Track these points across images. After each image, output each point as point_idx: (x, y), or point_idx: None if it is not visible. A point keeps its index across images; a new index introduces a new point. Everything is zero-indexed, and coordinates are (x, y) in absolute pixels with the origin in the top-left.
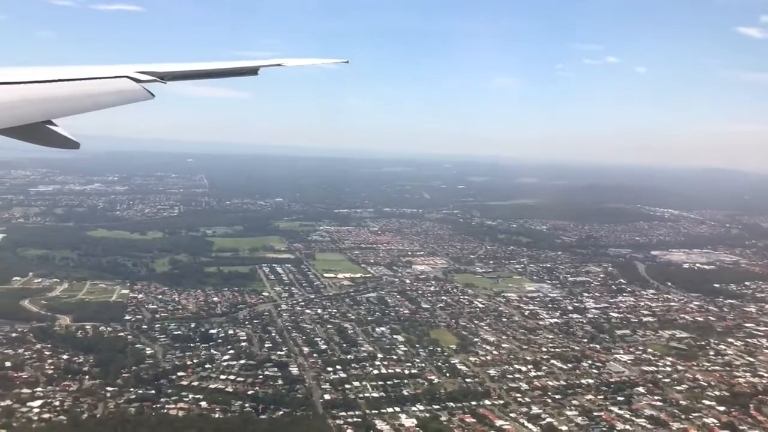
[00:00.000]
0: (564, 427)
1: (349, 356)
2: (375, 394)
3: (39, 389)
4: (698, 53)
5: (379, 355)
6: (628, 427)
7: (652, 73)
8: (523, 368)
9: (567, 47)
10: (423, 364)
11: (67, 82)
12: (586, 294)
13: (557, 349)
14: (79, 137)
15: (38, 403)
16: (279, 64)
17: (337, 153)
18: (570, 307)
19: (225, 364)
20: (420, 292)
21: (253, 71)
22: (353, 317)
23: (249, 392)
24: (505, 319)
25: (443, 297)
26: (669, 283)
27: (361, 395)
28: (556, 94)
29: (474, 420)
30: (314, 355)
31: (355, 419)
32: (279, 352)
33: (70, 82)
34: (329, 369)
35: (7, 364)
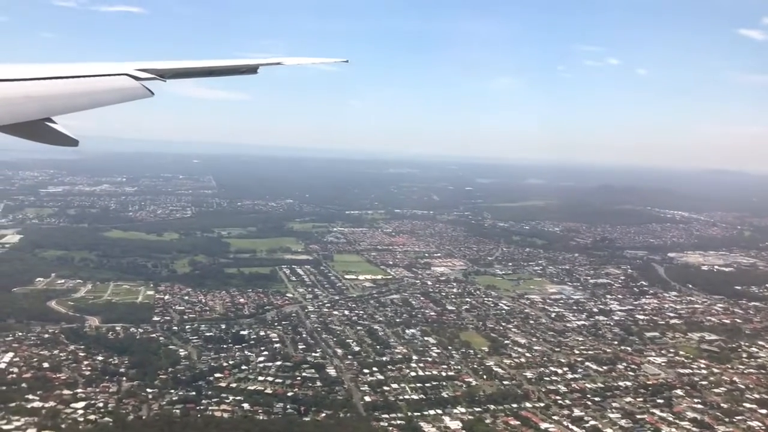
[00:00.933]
0: (609, 430)
1: (383, 358)
2: (415, 396)
3: (79, 390)
4: (699, 55)
5: (414, 357)
6: (673, 430)
7: (653, 75)
8: (559, 371)
9: (568, 49)
10: (459, 366)
11: (66, 79)
12: (608, 296)
13: (589, 352)
14: (81, 138)
15: (81, 404)
16: (279, 63)
17: (339, 154)
18: (595, 309)
19: (261, 365)
20: (443, 293)
21: (252, 70)
22: (381, 319)
23: (288, 394)
24: (532, 321)
25: (467, 299)
26: (690, 285)
27: (401, 397)
28: (558, 95)
29: (518, 422)
30: (349, 356)
31: (398, 421)
32: (314, 354)
33: (70, 80)
34: (365, 371)
35: (45, 365)
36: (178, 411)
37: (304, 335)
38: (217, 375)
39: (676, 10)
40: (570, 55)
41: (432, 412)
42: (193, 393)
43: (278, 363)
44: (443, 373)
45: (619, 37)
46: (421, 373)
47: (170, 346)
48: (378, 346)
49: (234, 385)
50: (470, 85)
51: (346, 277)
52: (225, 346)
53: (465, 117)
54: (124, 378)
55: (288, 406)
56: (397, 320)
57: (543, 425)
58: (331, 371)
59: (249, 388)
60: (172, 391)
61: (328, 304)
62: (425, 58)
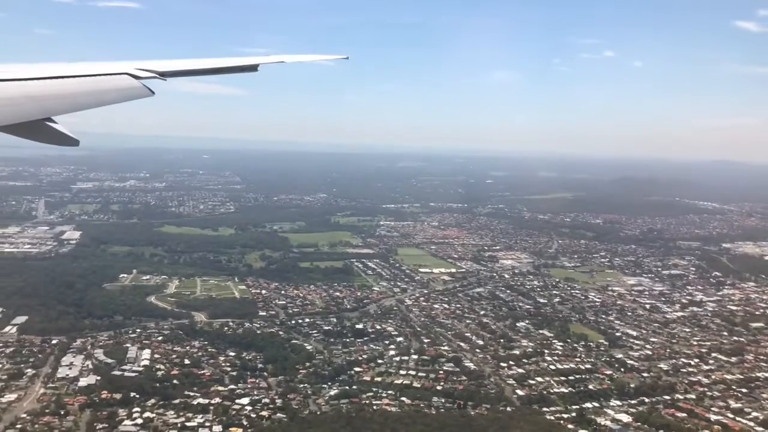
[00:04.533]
0: None
1: (515, 351)
2: (563, 390)
3: (233, 386)
4: (695, 47)
5: (546, 351)
6: None
7: (649, 68)
8: (691, 362)
9: (564, 41)
10: (591, 359)
11: (67, 79)
12: (689, 287)
13: (707, 343)
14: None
15: (246, 400)
16: (280, 62)
17: (341, 148)
18: (684, 301)
19: (397, 359)
20: (527, 287)
21: (252, 68)
22: (483, 312)
23: (438, 388)
24: (629, 313)
25: (554, 292)
26: (763, 276)
27: (550, 390)
28: (554, 88)
29: (684, 414)
30: (477, 350)
31: (564, 414)
32: (441, 348)
33: (71, 79)
34: (503, 364)
35: (186, 361)
36: (344, 406)
37: (418, 329)
38: (357, 369)
39: (672, 1)
40: (566, 47)
41: (589, 405)
42: (347, 387)
43: (414, 357)
44: (580, 366)
45: (615, 29)
46: (559, 366)
47: (293, 341)
48: (501, 340)
49: (378, 379)
50: (467, 79)
51: (421, 270)
52: (347, 339)
53: (463, 111)
54: (265, 373)
55: (443, 400)
56: (501, 314)
57: (711, 417)
58: (470, 365)
59: (396, 382)
60: (325, 386)
61: (422, 298)
62: (422, 54)
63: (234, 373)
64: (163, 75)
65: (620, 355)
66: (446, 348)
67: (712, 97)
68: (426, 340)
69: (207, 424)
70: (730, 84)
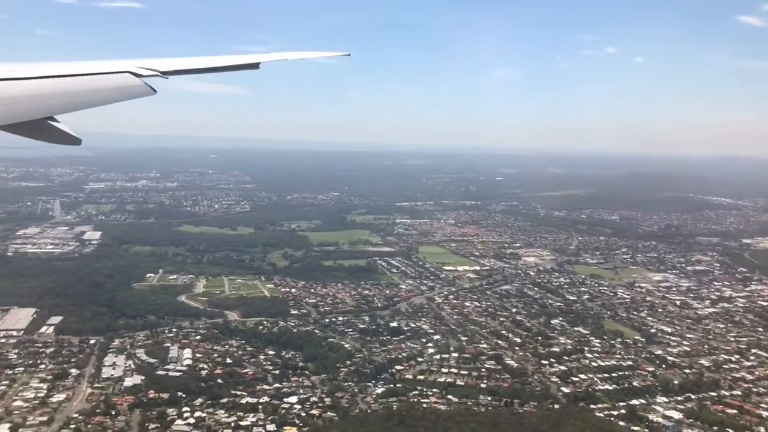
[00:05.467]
0: None
1: (554, 349)
2: (607, 387)
3: (277, 385)
4: (698, 42)
5: (585, 348)
6: None
7: (651, 64)
8: (732, 358)
9: (565, 38)
10: (631, 356)
11: (69, 78)
12: (716, 283)
13: (744, 339)
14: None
15: (294, 399)
16: (282, 59)
17: (344, 147)
18: (713, 297)
19: (437, 357)
20: (555, 284)
21: (254, 65)
22: (515, 310)
23: (482, 385)
24: (660, 310)
25: (582, 288)
26: None
27: (594, 387)
28: (556, 85)
29: (734, 411)
30: (516, 347)
31: (613, 411)
32: (480, 346)
33: (72, 78)
34: (544, 362)
35: (228, 360)
36: (394, 405)
37: (453, 327)
38: (398, 367)
39: None
40: (567, 44)
41: (636, 402)
42: (391, 386)
43: (454, 355)
44: (621, 363)
45: (616, 25)
46: (600, 363)
47: (330, 339)
48: (539, 337)
49: (421, 377)
50: (469, 77)
51: (445, 268)
52: (383, 338)
53: (465, 109)
54: (306, 371)
55: (489, 398)
56: (533, 311)
57: (762, 413)
58: (512, 363)
59: (439, 380)
60: (369, 384)
61: (451, 296)
62: (423, 52)
63: (276, 372)
64: (165, 73)
65: (659, 352)
66: (485, 346)
67: (714, 92)
68: (463, 338)
69: (260, 423)
70: (733, 79)
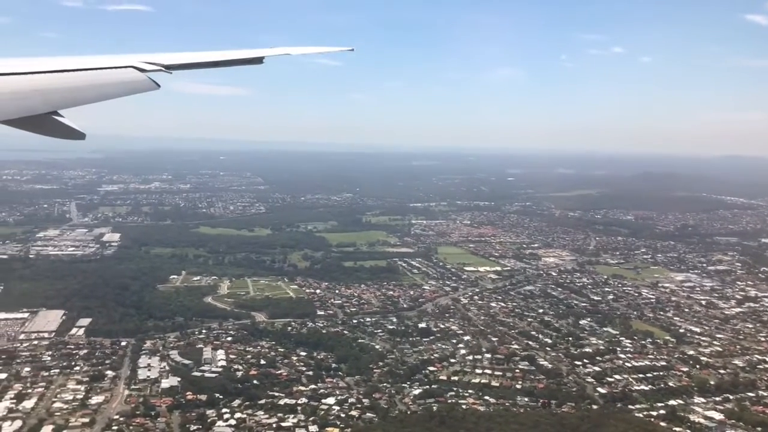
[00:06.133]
0: None
1: (587, 350)
2: (643, 387)
3: (313, 386)
4: (704, 41)
5: (617, 349)
6: None
7: (657, 63)
8: (766, 358)
9: (571, 38)
10: (663, 356)
11: (72, 72)
12: (739, 282)
13: None
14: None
15: (331, 400)
16: (285, 54)
17: (348, 148)
18: (738, 296)
19: (469, 358)
20: (578, 284)
21: (258, 60)
22: (541, 311)
23: (517, 386)
24: (687, 310)
25: (606, 289)
26: None
27: (630, 388)
28: (561, 85)
29: None
30: (547, 348)
31: (653, 412)
32: (512, 347)
33: (76, 73)
34: (577, 362)
35: (262, 362)
36: (434, 406)
37: (481, 327)
38: (431, 368)
39: None
40: (573, 44)
41: (673, 402)
42: (427, 387)
43: (487, 356)
44: (655, 363)
45: (622, 25)
46: (634, 363)
47: (360, 340)
48: (569, 338)
49: (455, 378)
50: (474, 77)
51: (466, 269)
52: (413, 339)
53: (470, 109)
54: (340, 373)
55: (525, 399)
56: (560, 312)
57: None
58: (545, 363)
59: (473, 381)
60: (405, 385)
61: (476, 297)
62: (427, 52)
63: (310, 373)
64: (169, 68)
65: (691, 352)
66: (516, 346)
67: (720, 91)
68: (493, 339)
69: (302, 424)
70: (739, 78)
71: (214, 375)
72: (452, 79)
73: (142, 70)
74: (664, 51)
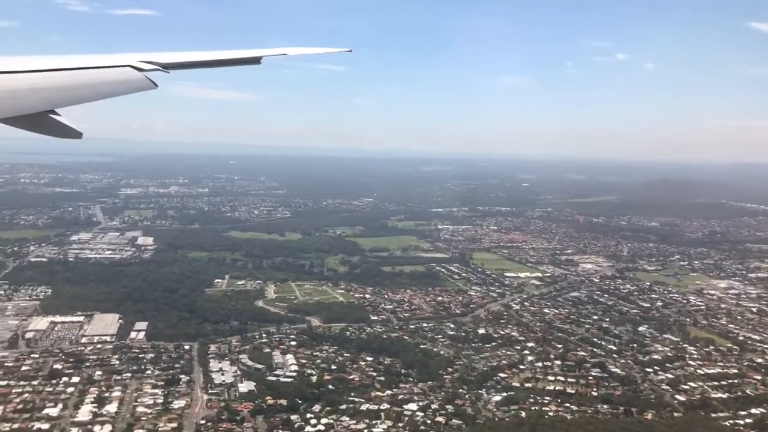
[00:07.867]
0: None
1: (652, 357)
2: (721, 395)
3: (390, 391)
4: (709, 49)
5: (686, 356)
6: None
7: (662, 70)
8: None
9: (576, 45)
10: (732, 364)
11: (70, 71)
12: None
13: None
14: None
15: (413, 406)
16: (283, 54)
17: (354, 152)
18: None
19: (539, 364)
20: (623, 291)
21: (255, 60)
22: (596, 317)
23: (593, 393)
24: (739, 317)
25: (652, 296)
26: None
27: (708, 396)
28: (566, 92)
29: None
30: (614, 355)
31: (739, 420)
32: (579, 353)
33: (74, 72)
34: (648, 369)
35: (333, 366)
36: (521, 413)
37: (541, 334)
38: (501, 375)
39: (684, 3)
40: (578, 51)
41: (756, 411)
42: (504, 393)
43: (557, 362)
44: (727, 371)
45: (627, 32)
46: (706, 371)
47: (422, 346)
48: (633, 344)
49: (528, 385)
50: (480, 84)
51: (507, 275)
52: (475, 344)
53: (475, 115)
54: (411, 378)
55: (605, 406)
56: (615, 318)
57: None
58: (617, 370)
59: (548, 387)
60: (481, 391)
61: (526, 303)
62: (432, 57)
63: (382, 378)
64: (166, 67)
65: (759, 360)
66: (583, 353)
67: (725, 98)
68: (558, 346)
69: (392, 430)
70: (745, 85)
71: (289, 380)
72: (459, 86)
73: (139, 70)
74: (669, 58)
